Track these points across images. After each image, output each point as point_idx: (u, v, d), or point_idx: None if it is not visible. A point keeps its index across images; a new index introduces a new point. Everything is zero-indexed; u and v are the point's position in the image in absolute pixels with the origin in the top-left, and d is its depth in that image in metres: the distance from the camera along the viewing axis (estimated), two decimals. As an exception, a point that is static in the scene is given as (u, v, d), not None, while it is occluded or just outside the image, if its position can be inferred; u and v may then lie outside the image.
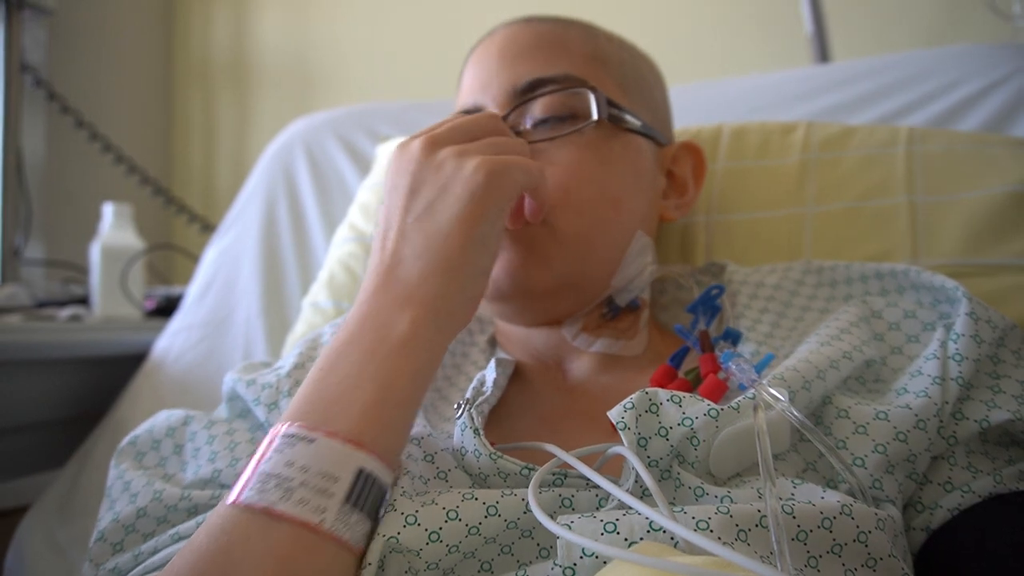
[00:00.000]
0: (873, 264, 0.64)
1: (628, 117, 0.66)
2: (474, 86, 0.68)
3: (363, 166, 1.17)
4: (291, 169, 1.21)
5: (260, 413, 0.58)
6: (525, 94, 0.65)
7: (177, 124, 1.92)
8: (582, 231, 0.62)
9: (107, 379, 1.15)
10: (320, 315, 0.94)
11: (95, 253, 1.27)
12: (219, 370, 1.09)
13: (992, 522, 0.49)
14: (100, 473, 0.96)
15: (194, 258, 1.46)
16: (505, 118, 0.64)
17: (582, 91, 0.64)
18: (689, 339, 0.61)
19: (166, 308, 1.32)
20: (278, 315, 1.12)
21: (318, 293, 0.97)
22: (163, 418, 0.62)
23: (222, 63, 1.89)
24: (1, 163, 1.43)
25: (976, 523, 0.49)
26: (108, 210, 1.32)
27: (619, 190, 0.64)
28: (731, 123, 0.88)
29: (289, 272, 1.16)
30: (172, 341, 1.15)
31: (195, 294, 1.20)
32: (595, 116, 0.63)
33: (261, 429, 0.59)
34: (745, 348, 0.60)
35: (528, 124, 0.64)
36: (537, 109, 0.64)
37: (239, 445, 0.58)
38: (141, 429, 0.61)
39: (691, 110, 1.00)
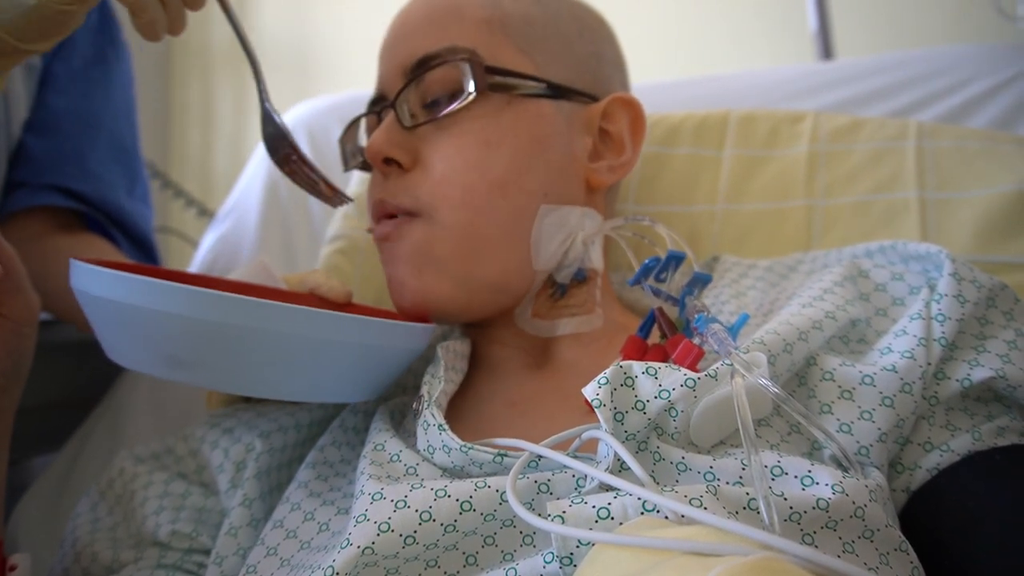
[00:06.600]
0: (863, 244, 0.64)
1: (524, 83, 0.61)
2: (378, 72, 0.66)
3: (366, 153, 1.16)
4: (293, 154, 1.20)
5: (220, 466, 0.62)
6: (412, 74, 0.61)
7: (175, 107, 1.90)
8: (465, 225, 0.59)
9: (104, 362, 1.14)
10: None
11: (92, 235, 1.26)
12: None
13: (970, 483, 0.49)
14: (98, 458, 0.96)
15: (191, 242, 1.45)
16: (392, 106, 0.61)
17: (461, 63, 0.59)
18: (660, 297, 0.58)
19: (163, 292, 1.30)
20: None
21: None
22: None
23: (221, 47, 1.87)
24: None
25: (955, 484, 0.49)
26: (106, 192, 1.30)
27: (506, 171, 0.59)
28: (738, 109, 0.88)
29: (289, 261, 1.15)
30: (170, 325, 1.14)
31: (194, 279, 1.19)
32: (469, 90, 0.58)
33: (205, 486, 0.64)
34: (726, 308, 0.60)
35: (421, 106, 0.61)
36: (425, 89, 0.60)
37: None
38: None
39: (692, 104, 0.99)
